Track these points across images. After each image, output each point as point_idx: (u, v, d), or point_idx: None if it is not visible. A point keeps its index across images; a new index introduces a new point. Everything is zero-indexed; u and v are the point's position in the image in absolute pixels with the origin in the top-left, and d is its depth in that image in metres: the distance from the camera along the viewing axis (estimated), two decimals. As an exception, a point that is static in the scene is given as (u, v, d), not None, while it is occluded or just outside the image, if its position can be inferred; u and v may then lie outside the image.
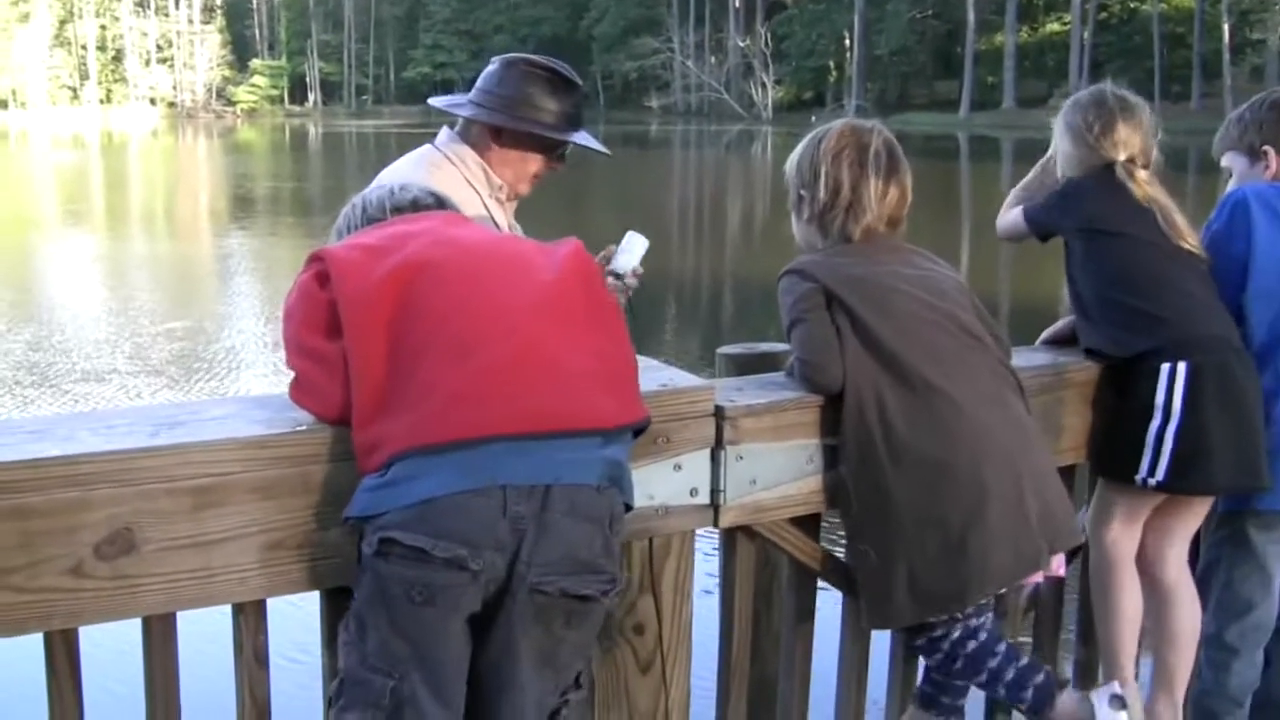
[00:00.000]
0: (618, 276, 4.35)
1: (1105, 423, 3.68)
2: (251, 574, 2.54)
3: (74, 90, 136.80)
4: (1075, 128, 3.84)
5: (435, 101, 4.67)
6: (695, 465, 2.94)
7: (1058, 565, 3.30)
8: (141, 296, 20.40)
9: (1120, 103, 3.82)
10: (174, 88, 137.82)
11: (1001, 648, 3.28)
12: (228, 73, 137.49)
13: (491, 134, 4.31)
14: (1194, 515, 3.83)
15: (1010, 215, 4.03)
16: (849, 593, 3.28)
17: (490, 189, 4.32)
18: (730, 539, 3.18)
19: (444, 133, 4.46)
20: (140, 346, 15.60)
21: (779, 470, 3.07)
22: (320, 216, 29.43)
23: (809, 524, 3.22)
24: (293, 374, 2.67)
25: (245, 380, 13.77)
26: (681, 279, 21.72)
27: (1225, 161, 4.20)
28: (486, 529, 2.44)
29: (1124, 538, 3.75)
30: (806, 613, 3.34)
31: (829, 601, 3.41)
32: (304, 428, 2.58)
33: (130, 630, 2.55)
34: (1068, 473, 3.67)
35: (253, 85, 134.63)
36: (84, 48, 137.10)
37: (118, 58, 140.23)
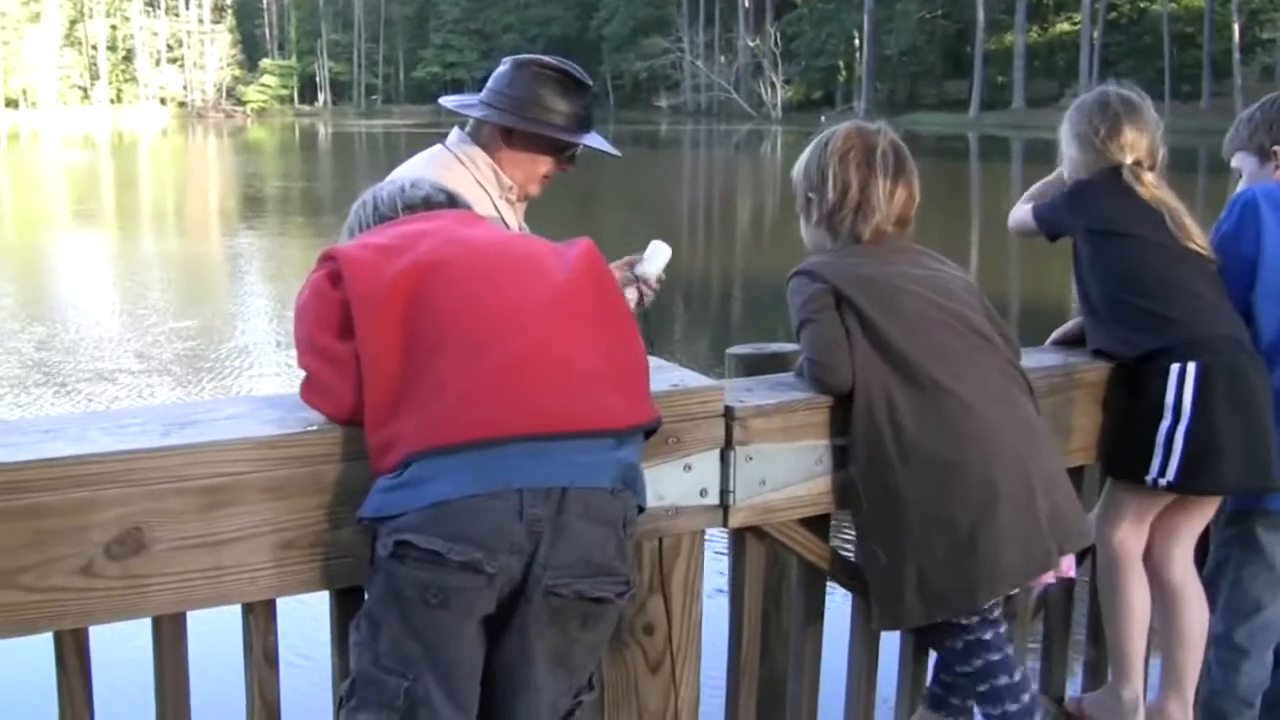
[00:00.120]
0: (645, 283, 4.37)
1: (1115, 423, 3.68)
2: (262, 574, 2.54)
3: (84, 90, 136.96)
4: (1081, 132, 3.84)
5: (446, 102, 4.67)
6: (705, 466, 2.94)
7: (1068, 566, 3.29)
8: (151, 296, 20.41)
9: (1125, 105, 3.81)
10: (184, 87, 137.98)
11: (1017, 676, 3.28)
12: (238, 72, 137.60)
13: (502, 135, 4.31)
14: (1201, 515, 3.82)
15: (1021, 211, 4.03)
16: (858, 593, 3.28)
17: (500, 190, 4.32)
18: (740, 539, 3.18)
19: (454, 133, 4.46)
20: (149, 346, 15.61)
21: (788, 471, 3.07)
22: (329, 216, 29.45)
23: (818, 524, 3.22)
24: (304, 374, 2.67)
25: (254, 380, 13.77)
26: (691, 279, 21.69)
27: (1235, 162, 4.19)
28: (502, 532, 2.44)
29: (1132, 538, 3.75)
30: (816, 613, 3.34)
31: (838, 602, 3.41)
32: (315, 428, 2.58)
33: (140, 630, 2.55)
34: (1077, 473, 3.66)
35: (263, 85, 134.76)
36: (94, 47, 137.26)
37: (128, 57, 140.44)
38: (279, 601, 2.65)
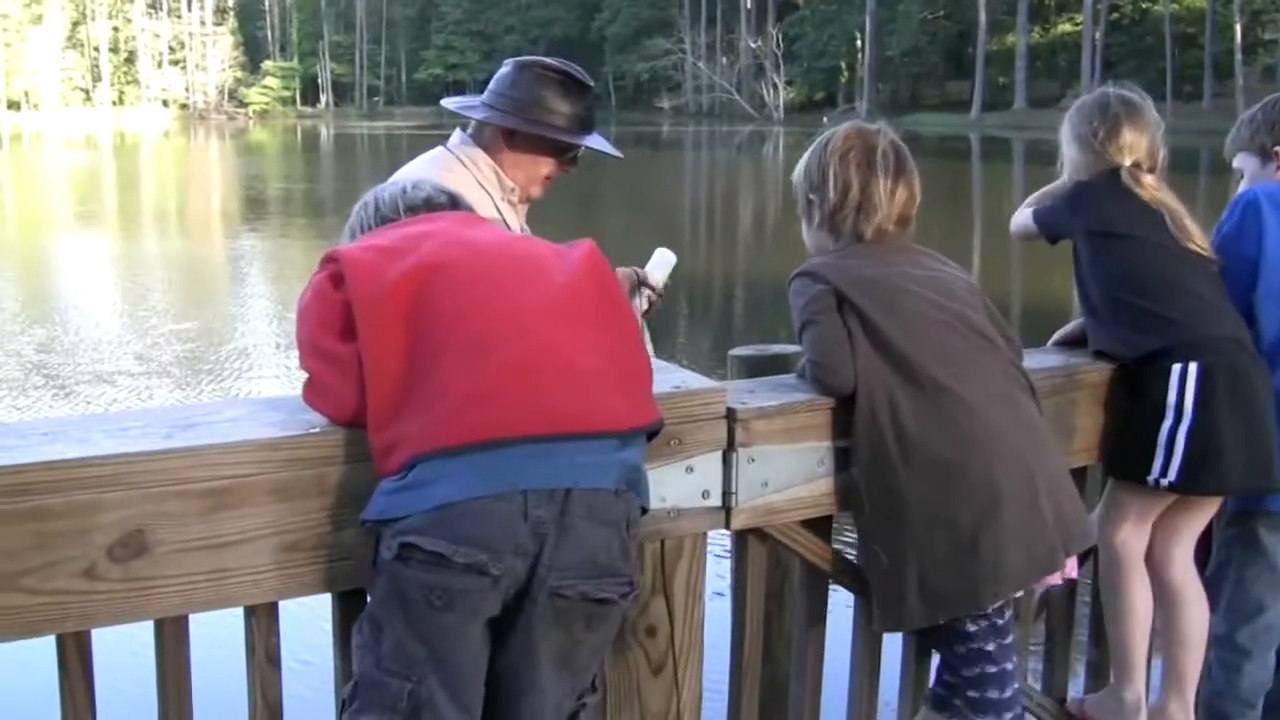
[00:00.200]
0: (653, 290, 4.39)
1: (1117, 424, 3.68)
2: (265, 576, 2.54)
3: (86, 92, 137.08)
4: (1081, 134, 3.84)
5: (448, 103, 4.68)
6: (707, 467, 2.94)
7: (1070, 567, 3.29)
8: (152, 298, 20.41)
9: (1124, 106, 3.81)
10: (186, 89, 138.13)
11: (1008, 692, 3.28)
12: (240, 74, 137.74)
13: (504, 136, 4.31)
14: (1202, 515, 3.82)
15: (1022, 215, 4.04)
16: (860, 594, 3.28)
17: (502, 191, 4.32)
18: (742, 541, 3.18)
19: (456, 135, 4.47)
20: (149, 348, 15.60)
21: (790, 472, 3.07)
22: (331, 217, 29.44)
23: (821, 526, 3.22)
24: (306, 376, 2.67)
25: (255, 382, 13.76)
26: (693, 280, 21.69)
27: (1237, 162, 4.20)
28: (507, 534, 2.43)
29: (1134, 538, 3.75)
30: (818, 615, 3.34)
31: (841, 603, 3.41)
32: (318, 430, 2.58)
33: (142, 632, 2.56)
34: (1080, 474, 3.66)
35: (264, 87, 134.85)
36: (96, 49, 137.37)
37: (130, 59, 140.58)
38: (281, 604, 2.65)
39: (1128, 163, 3.76)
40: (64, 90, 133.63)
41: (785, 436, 3.05)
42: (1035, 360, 3.57)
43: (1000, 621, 3.31)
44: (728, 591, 3.30)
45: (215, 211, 36.80)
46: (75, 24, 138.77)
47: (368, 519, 2.50)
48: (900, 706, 3.63)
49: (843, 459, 3.12)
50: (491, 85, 4.38)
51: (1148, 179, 3.76)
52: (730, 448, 2.97)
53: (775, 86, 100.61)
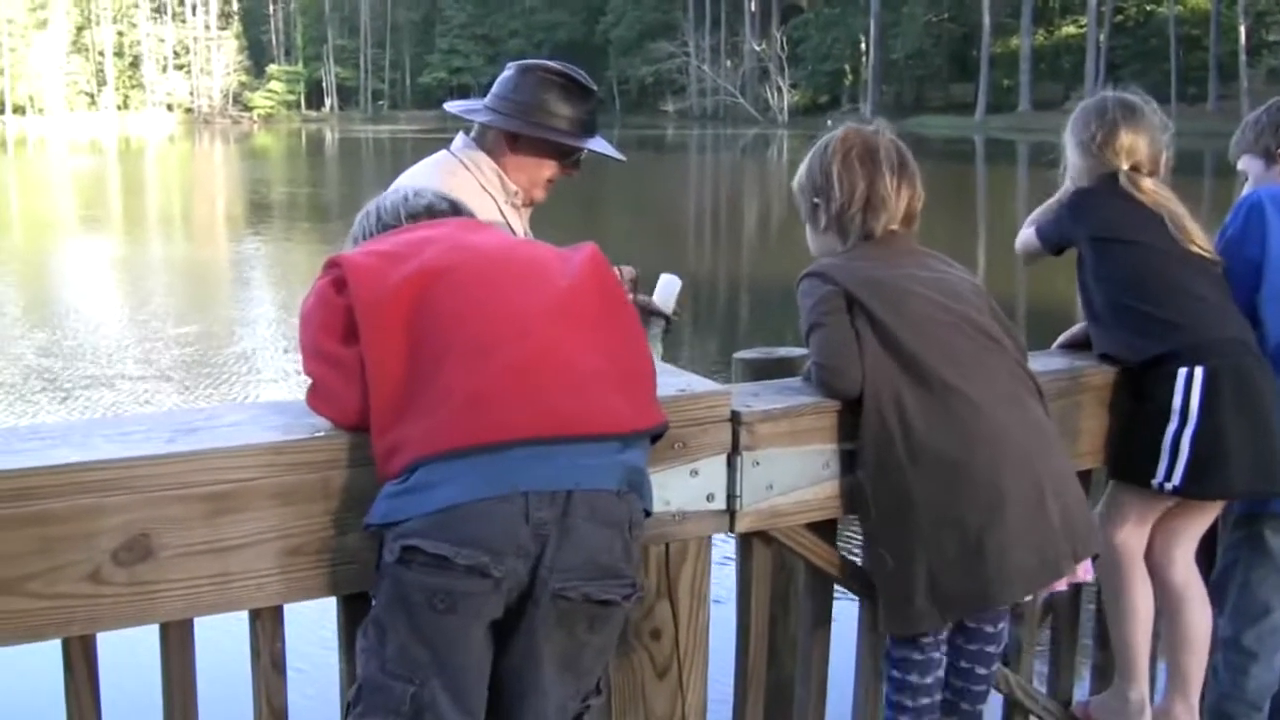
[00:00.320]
0: (665, 318, 4.39)
1: (1121, 427, 3.68)
2: (269, 580, 2.54)
3: (91, 96, 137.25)
4: (1079, 138, 3.85)
5: (451, 107, 4.69)
6: (712, 470, 2.94)
7: (1084, 571, 3.29)
8: (155, 302, 20.43)
9: (1123, 109, 3.81)
10: (191, 93, 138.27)
11: (931, 700, 3.31)
12: (244, 78, 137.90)
13: (507, 140, 4.32)
14: (1204, 518, 3.82)
15: (1025, 234, 4.03)
16: (866, 598, 3.28)
17: (506, 195, 4.33)
18: (747, 544, 3.17)
19: (459, 138, 4.47)
20: (150, 352, 15.63)
21: (796, 475, 3.07)
22: (336, 222, 29.46)
23: (826, 529, 3.22)
24: (309, 380, 2.68)
25: (257, 387, 13.77)
26: (698, 283, 21.70)
27: (1241, 165, 4.19)
28: (509, 536, 2.44)
29: (1134, 539, 3.74)
30: (823, 618, 3.34)
31: (846, 607, 3.40)
32: (322, 434, 2.58)
33: (147, 635, 2.56)
34: (1085, 477, 3.66)
35: (269, 91, 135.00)
36: (101, 54, 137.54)
37: (135, 64, 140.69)
38: (286, 607, 2.65)
39: (1125, 166, 3.75)
40: (69, 95, 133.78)
41: (790, 439, 3.05)
42: (1040, 363, 3.56)
43: (990, 629, 3.31)
44: (728, 596, 3.30)
45: (219, 216, 36.84)
46: (80, 28, 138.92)
47: (371, 523, 2.50)
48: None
49: (848, 462, 3.12)
50: (495, 89, 4.39)
51: (1147, 182, 3.75)
52: (735, 451, 2.96)
53: (779, 89, 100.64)
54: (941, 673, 3.32)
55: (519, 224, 4.37)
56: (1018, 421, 3.12)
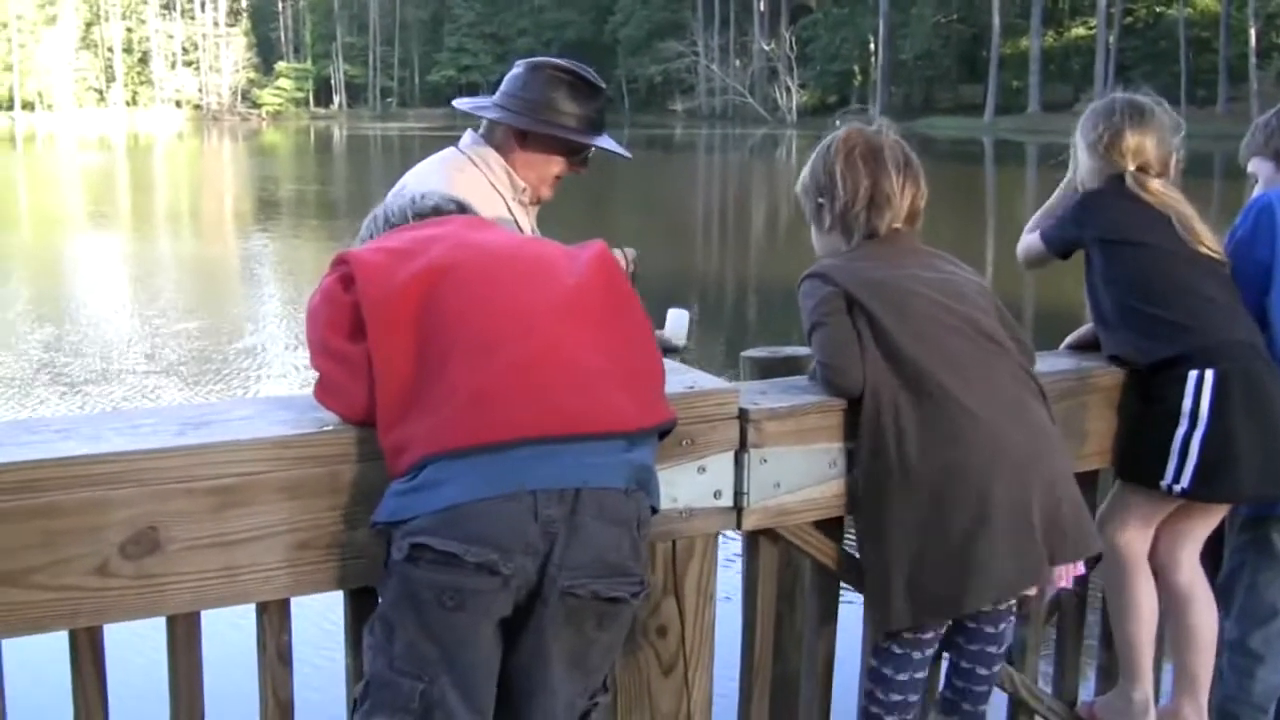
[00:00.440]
0: (676, 350, 4.40)
1: (1129, 428, 3.67)
2: (276, 573, 2.55)
3: (100, 93, 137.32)
4: (1088, 139, 3.85)
5: (460, 104, 4.69)
6: (719, 467, 2.95)
7: (1063, 576, 3.28)
8: (162, 298, 20.43)
9: (1130, 110, 3.81)
10: (199, 90, 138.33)
11: (904, 699, 3.31)
12: (253, 75, 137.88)
13: (515, 136, 4.33)
14: (1209, 520, 3.81)
15: (1029, 239, 4.02)
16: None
17: (514, 191, 4.34)
18: (753, 541, 3.18)
19: (468, 135, 4.47)
20: (157, 347, 15.63)
21: (802, 473, 3.07)
22: (343, 219, 29.48)
23: (832, 527, 3.22)
24: (317, 375, 2.68)
25: (263, 382, 13.77)
26: (705, 283, 21.71)
27: (1251, 167, 4.19)
28: (518, 533, 2.44)
29: (1138, 540, 3.74)
30: (829, 615, 3.35)
31: (851, 604, 3.41)
32: (330, 428, 2.59)
33: (153, 628, 2.56)
34: (1091, 477, 3.66)
35: (278, 88, 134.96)
36: (110, 50, 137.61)
37: (144, 60, 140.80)
38: (292, 601, 2.65)
39: (1132, 167, 3.75)
40: (78, 91, 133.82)
41: (797, 437, 3.05)
42: (1047, 363, 3.56)
43: (991, 630, 3.32)
44: (732, 595, 3.30)
45: (228, 213, 36.84)
46: (89, 25, 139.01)
47: (378, 521, 2.50)
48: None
49: (853, 461, 3.12)
50: (503, 86, 4.40)
51: (1154, 183, 3.74)
52: (742, 448, 2.97)
53: (788, 89, 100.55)
54: (923, 675, 3.33)
55: (526, 222, 4.37)
56: (1016, 429, 3.12)
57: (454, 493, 2.43)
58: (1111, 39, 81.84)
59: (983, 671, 3.39)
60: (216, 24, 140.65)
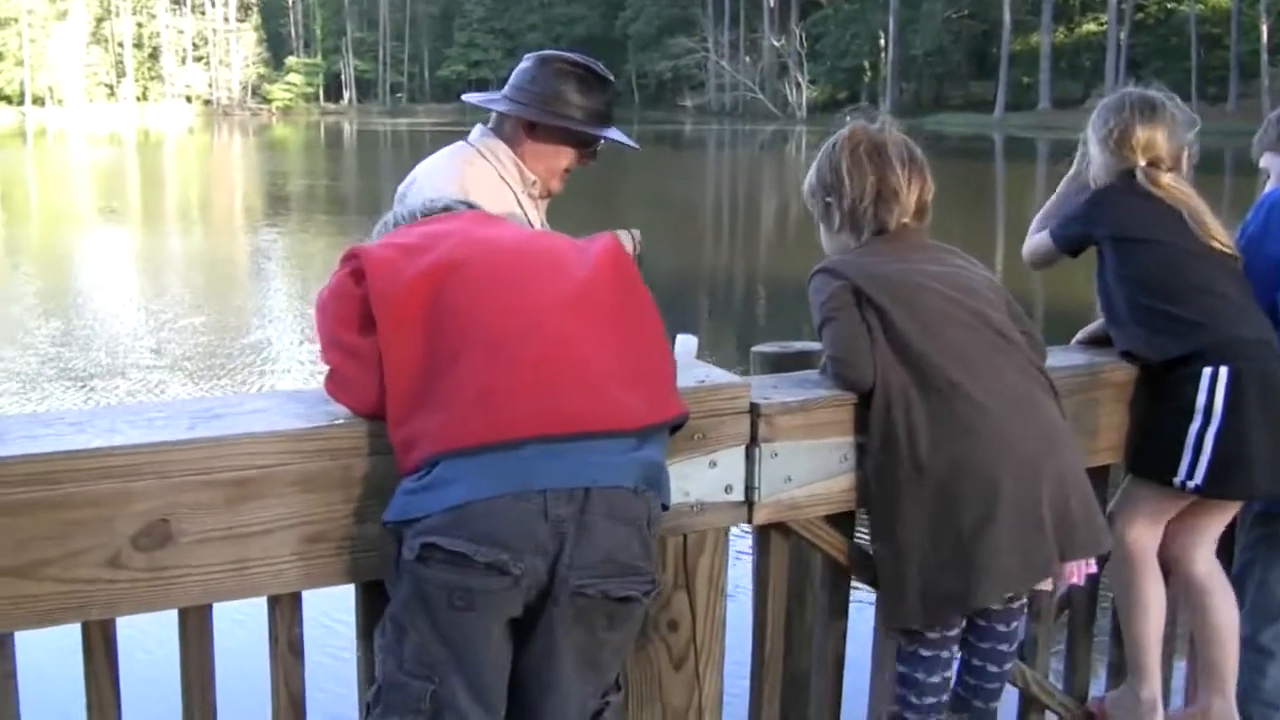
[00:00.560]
0: None
1: (1141, 424, 3.67)
2: (288, 566, 2.55)
3: (110, 88, 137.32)
4: (1098, 134, 3.84)
5: (470, 97, 4.70)
6: (730, 462, 2.95)
7: (1074, 573, 3.28)
8: (170, 293, 20.46)
9: (1141, 105, 3.80)
10: (209, 85, 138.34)
11: (937, 700, 3.32)
12: (263, 70, 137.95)
13: (525, 128, 4.33)
14: (1224, 515, 3.80)
15: (1036, 239, 4.01)
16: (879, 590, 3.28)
17: (524, 185, 4.34)
18: (764, 536, 3.18)
19: (477, 129, 4.48)
20: (164, 342, 15.66)
21: (813, 468, 3.07)
22: (353, 214, 29.50)
23: (843, 521, 3.22)
24: (328, 369, 2.68)
25: (272, 377, 13.77)
26: (715, 278, 21.71)
27: (1263, 163, 4.18)
28: (527, 533, 2.44)
29: (1147, 536, 3.73)
30: (839, 610, 3.34)
31: (862, 599, 3.40)
32: (342, 421, 2.59)
33: (165, 621, 2.56)
34: (1102, 473, 3.65)
35: (288, 83, 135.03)
36: (120, 45, 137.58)
37: (154, 55, 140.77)
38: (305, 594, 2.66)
39: (1143, 162, 3.74)
40: (88, 86, 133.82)
41: (808, 432, 3.05)
42: (1059, 358, 3.56)
43: (1002, 627, 3.32)
44: (741, 590, 3.30)
45: (237, 208, 36.87)
46: (99, 20, 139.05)
47: (389, 520, 2.50)
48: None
49: (865, 455, 3.12)
50: (512, 79, 4.41)
51: (1165, 178, 3.73)
52: (753, 442, 2.97)
53: (798, 85, 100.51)
54: (951, 673, 3.33)
55: (536, 216, 4.38)
56: (1025, 424, 3.12)
57: (463, 491, 2.43)
58: (1122, 35, 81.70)
59: (994, 669, 3.39)
60: (227, 19, 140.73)
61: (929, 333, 3.10)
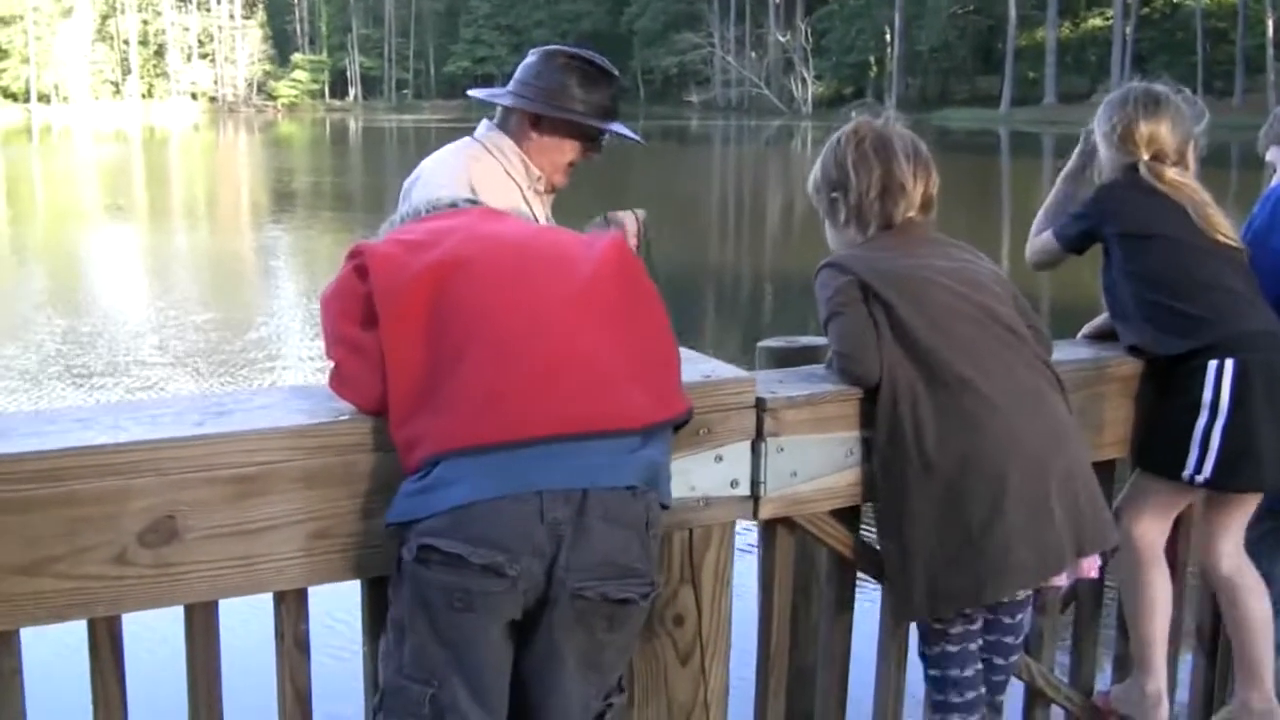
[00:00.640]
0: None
1: (1148, 418, 3.66)
2: (294, 562, 2.55)
3: (116, 85, 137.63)
4: (1103, 129, 3.84)
5: (475, 92, 4.73)
6: (736, 456, 2.94)
7: (1088, 567, 3.28)
8: (176, 290, 20.47)
9: (1144, 99, 3.78)
10: (215, 82, 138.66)
11: (977, 694, 3.32)
12: (268, 67, 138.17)
13: (530, 122, 4.34)
14: (1246, 507, 3.78)
15: (1039, 239, 3.99)
16: (885, 584, 3.28)
17: (529, 180, 4.35)
18: (770, 530, 3.18)
19: (483, 124, 4.49)
20: (169, 339, 15.66)
21: (819, 462, 3.07)
22: (359, 211, 29.51)
23: (848, 516, 3.22)
24: (332, 365, 2.68)
25: (276, 374, 13.76)
26: (721, 273, 21.71)
27: (1269, 157, 4.18)
28: (523, 535, 2.44)
29: (1154, 531, 3.72)
30: (845, 604, 3.34)
31: (868, 593, 3.40)
32: (347, 417, 2.59)
33: (171, 616, 2.57)
34: (1108, 467, 3.65)
35: (293, 80, 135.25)
36: (126, 42, 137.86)
37: (159, 52, 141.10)
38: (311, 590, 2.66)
39: (1146, 156, 3.73)
40: (94, 83, 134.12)
41: (814, 426, 3.05)
42: (1064, 353, 3.55)
43: (1009, 620, 3.32)
44: (748, 586, 3.30)
45: (243, 205, 36.87)
46: (105, 17, 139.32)
47: (391, 521, 2.51)
48: (927, 699, 3.63)
49: (870, 449, 3.12)
50: (517, 74, 4.42)
51: (1169, 172, 3.72)
52: (759, 437, 2.97)
53: (804, 81, 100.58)
54: (980, 666, 3.33)
55: (542, 211, 4.38)
56: (1032, 419, 3.12)
57: (462, 492, 2.43)
58: (1128, 30, 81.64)
59: (1000, 661, 3.39)
60: (232, 16, 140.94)
61: (937, 328, 3.09)
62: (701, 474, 2.89)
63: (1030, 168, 44.80)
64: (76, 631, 2.49)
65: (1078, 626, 3.93)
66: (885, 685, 3.43)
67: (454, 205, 3.06)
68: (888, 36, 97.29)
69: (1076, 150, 4.00)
